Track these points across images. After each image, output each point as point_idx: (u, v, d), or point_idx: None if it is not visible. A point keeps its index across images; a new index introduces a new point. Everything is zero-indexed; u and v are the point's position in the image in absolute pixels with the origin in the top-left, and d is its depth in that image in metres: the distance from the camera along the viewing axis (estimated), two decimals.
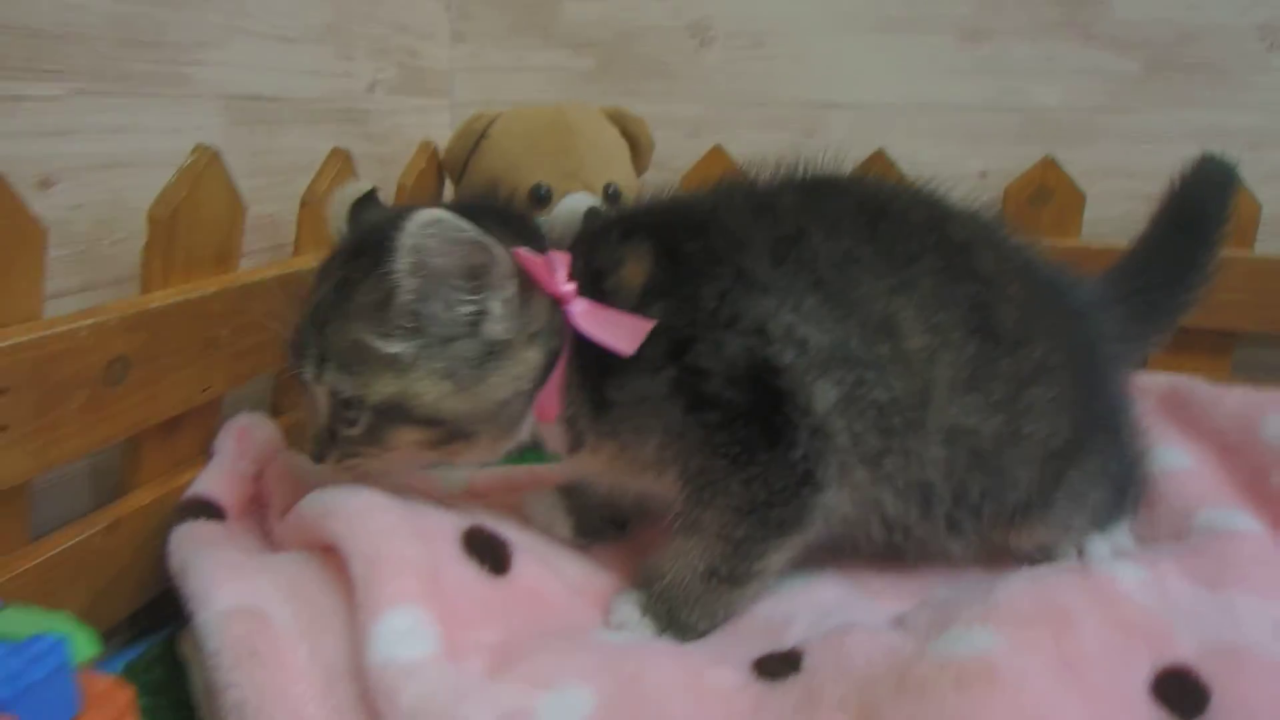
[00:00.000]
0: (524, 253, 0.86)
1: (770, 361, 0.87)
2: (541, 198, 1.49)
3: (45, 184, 0.98)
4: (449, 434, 0.88)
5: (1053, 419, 0.96)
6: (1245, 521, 1.05)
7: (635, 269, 0.91)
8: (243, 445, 1.08)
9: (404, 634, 0.77)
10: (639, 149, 1.63)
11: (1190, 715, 0.74)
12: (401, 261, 0.81)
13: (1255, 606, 0.87)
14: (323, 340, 0.87)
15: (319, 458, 0.92)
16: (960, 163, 1.64)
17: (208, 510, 0.98)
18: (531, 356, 0.89)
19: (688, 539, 0.91)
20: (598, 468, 0.97)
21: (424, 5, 1.75)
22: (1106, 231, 1.58)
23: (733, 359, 0.87)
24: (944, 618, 0.83)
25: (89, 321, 0.87)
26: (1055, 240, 1.43)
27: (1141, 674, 0.76)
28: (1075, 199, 1.58)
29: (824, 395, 0.88)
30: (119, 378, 0.92)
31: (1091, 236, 1.59)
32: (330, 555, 0.88)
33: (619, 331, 0.87)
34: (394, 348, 0.85)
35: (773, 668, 0.80)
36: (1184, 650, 0.79)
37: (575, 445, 0.95)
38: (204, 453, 1.07)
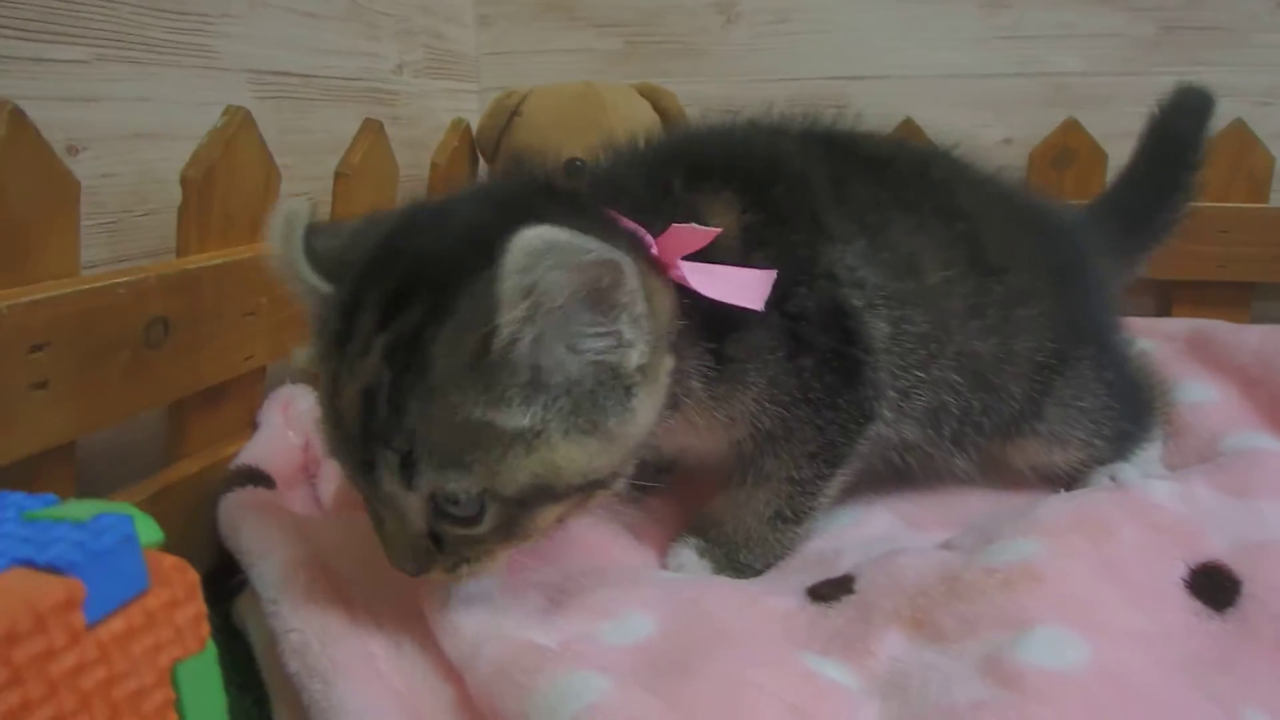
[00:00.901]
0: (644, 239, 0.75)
1: (844, 304, 0.87)
2: (575, 173, 1.48)
3: (72, 151, 0.97)
4: (594, 489, 0.73)
5: (1037, 334, 0.99)
6: (1269, 443, 1.08)
7: (726, 220, 0.83)
8: (288, 416, 1.08)
9: None
10: (671, 123, 1.62)
11: (1223, 606, 0.77)
12: (510, 307, 0.61)
13: None
14: (402, 434, 0.66)
15: (418, 572, 0.72)
16: (984, 130, 1.65)
17: (256, 478, 0.98)
18: (667, 363, 0.75)
19: (756, 489, 0.91)
20: (675, 429, 0.86)
21: None
22: None
23: (819, 303, 0.86)
24: (988, 536, 0.85)
25: (127, 279, 0.87)
26: (1079, 201, 1.42)
27: (1177, 571, 0.80)
28: (1098, 159, 1.60)
29: (879, 332, 0.89)
30: (159, 340, 0.91)
31: None
32: None
33: (742, 290, 0.77)
34: (519, 419, 0.66)
35: (826, 592, 0.82)
36: (1215, 548, 0.82)
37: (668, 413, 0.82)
38: (249, 424, 1.08)
